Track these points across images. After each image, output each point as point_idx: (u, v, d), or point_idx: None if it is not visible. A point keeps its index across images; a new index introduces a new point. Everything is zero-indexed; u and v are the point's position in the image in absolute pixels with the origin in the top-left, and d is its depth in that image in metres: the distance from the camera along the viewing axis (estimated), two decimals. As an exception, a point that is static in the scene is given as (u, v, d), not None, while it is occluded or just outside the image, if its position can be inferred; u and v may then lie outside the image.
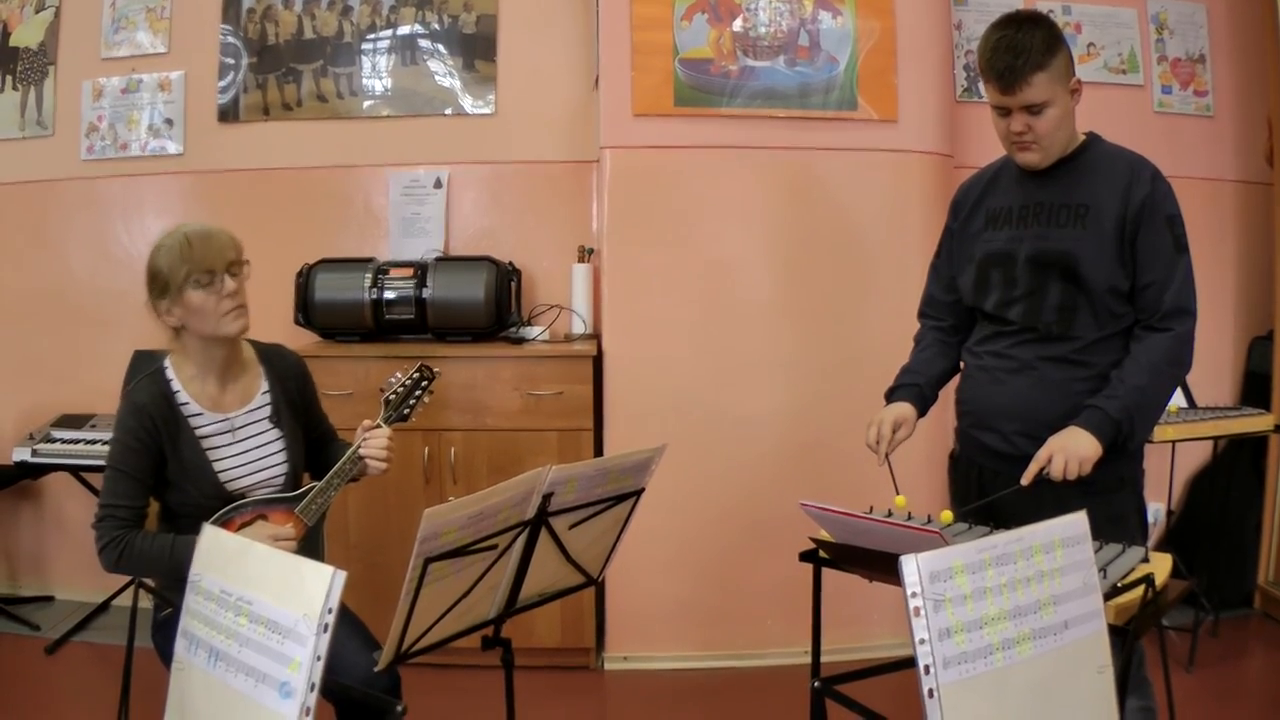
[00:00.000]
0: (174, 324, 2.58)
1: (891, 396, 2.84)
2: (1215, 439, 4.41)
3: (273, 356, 2.82)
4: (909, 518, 2.51)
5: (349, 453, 2.70)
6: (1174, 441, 4.12)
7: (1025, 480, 2.44)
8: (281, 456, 2.73)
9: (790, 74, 4.21)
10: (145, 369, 2.68)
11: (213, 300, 2.55)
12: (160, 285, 2.54)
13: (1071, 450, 2.40)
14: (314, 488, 2.68)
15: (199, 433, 2.61)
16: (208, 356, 2.63)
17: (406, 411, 2.82)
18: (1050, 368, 2.59)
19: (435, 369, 2.91)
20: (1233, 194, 5.06)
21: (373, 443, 2.71)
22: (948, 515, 2.46)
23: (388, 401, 2.80)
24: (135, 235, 4.93)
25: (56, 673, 4.19)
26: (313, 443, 2.89)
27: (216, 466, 2.61)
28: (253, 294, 2.66)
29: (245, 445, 2.68)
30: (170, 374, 2.62)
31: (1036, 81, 2.47)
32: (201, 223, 2.63)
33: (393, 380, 2.83)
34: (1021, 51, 2.45)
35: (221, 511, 2.56)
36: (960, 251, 2.83)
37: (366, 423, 2.76)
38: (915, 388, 2.83)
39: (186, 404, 2.60)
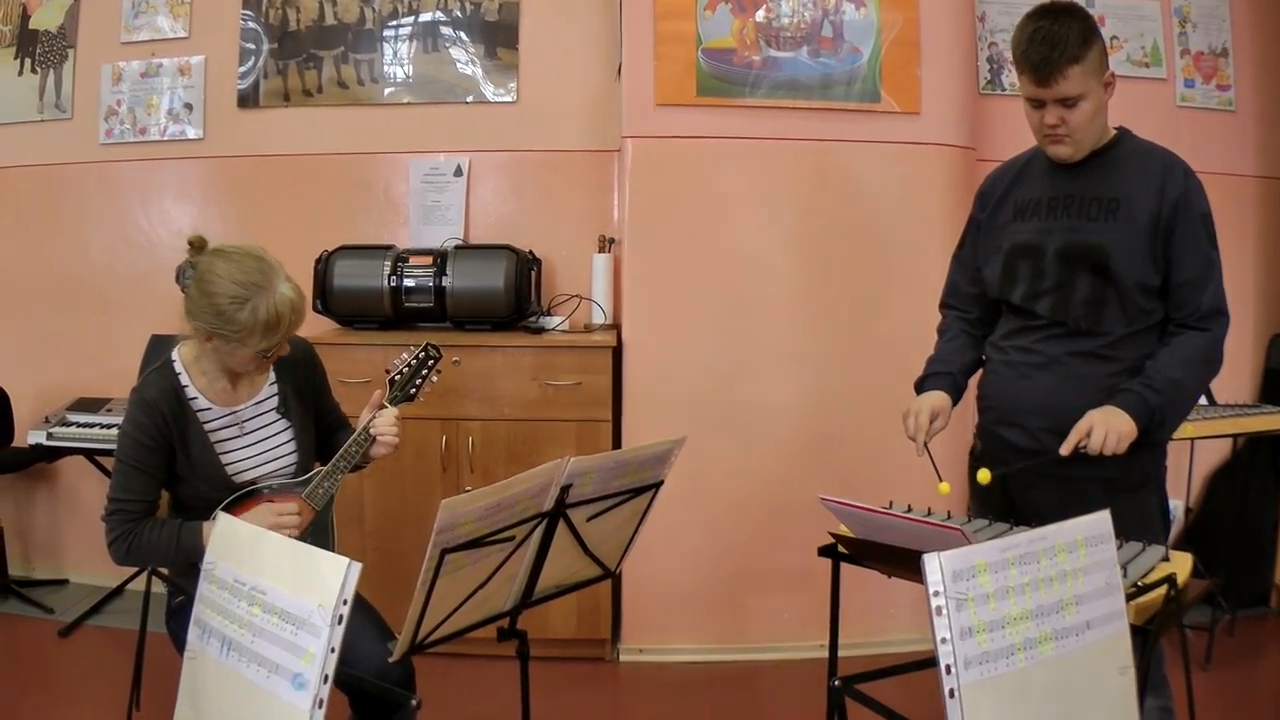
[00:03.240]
0: (205, 343, 2.52)
1: (923, 386, 2.80)
2: (1234, 436, 4.40)
3: None
4: (929, 513, 2.49)
5: (357, 433, 2.68)
6: (1193, 439, 4.09)
7: (1065, 450, 2.39)
8: (290, 447, 2.72)
9: (813, 65, 4.19)
10: (156, 358, 2.66)
11: (258, 363, 2.55)
12: (218, 326, 2.44)
13: (1112, 425, 2.37)
14: (320, 472, 2.67)
15: (207, 427, 2.59)
16: (221, 360, 2.59)
17: (413, 391, 2.79)
18: (1078, 363, 2.56)
19: (440, 349, 2.86)
20: (1254, 190, 5.01)
21: (381, 421, 2.69)
22: (985, 475, 2.43)
23: (393, 382, 2.78)
24: (154, 219, 4.95)
25: (69, 656, 4.21)
26: (323, 430, 2.88)
27: (225, 460, 2.60)
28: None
29: (253, 438, 2.67)
30: (179, 367, 2.59)
31: (1072, 74, 2.43)
32: (283, 279, 2.48)
33: (398, 361, 2.81)
34: (1057, 44, 2.41)
35: (229, 499, 2.54)
36: (987, 242, 2.79)
37: (377, 394, 2.75)
38: (948, 375, 2.78)
39: (195, 398, 2.58)
